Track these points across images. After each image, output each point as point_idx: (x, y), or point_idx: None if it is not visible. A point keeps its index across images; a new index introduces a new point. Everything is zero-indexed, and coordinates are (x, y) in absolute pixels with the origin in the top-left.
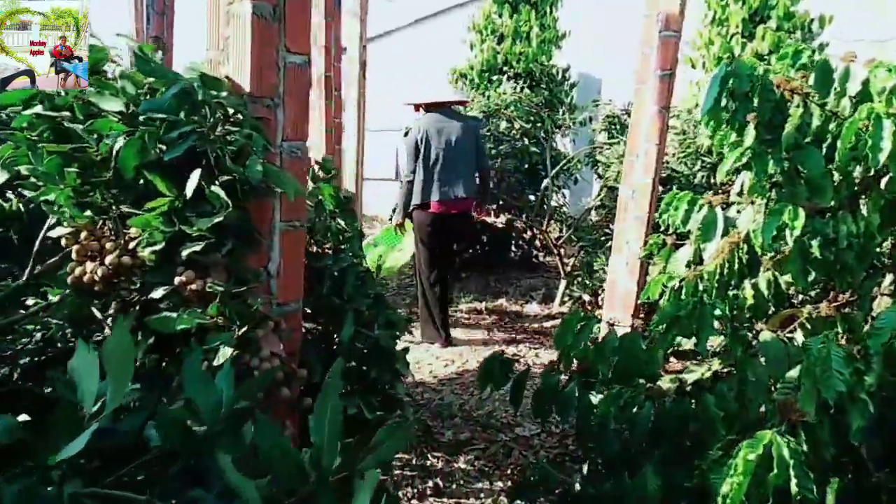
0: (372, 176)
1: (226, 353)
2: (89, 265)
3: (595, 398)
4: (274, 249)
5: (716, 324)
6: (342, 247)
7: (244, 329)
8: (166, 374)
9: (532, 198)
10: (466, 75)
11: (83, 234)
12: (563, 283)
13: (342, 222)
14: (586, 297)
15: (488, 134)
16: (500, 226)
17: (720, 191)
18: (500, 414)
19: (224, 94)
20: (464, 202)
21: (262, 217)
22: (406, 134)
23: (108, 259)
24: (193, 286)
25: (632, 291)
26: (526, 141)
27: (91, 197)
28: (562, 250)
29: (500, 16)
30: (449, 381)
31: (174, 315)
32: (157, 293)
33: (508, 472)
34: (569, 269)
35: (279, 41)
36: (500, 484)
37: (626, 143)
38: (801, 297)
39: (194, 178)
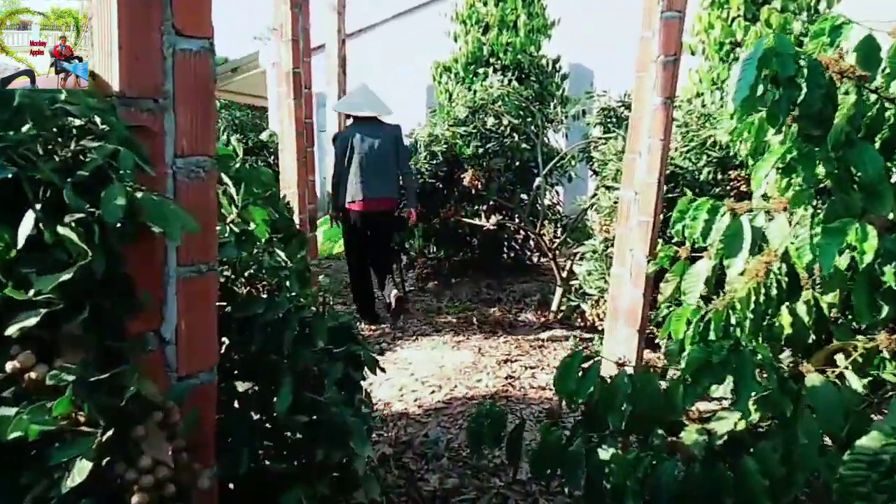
0: None
1: (83, 468)
2: None
3: (605, 453)
4: (168, 305)
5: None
6: (283, 286)
7: (110, 431)
8: (15, 489)
9: (524, 197)
10: (451, 69)
11: None
12: (559, 291)
13: (281, 254)
14: (585, 308)
15: (474, 131)
16: (492, 228)
17: (730, 187)
18: (493, 453)
19: (62, 96)
20: (386, 201)
21: (145, 263)
22: (334, 139)
23: None
24: (33, 374)
25: (637, 303)
26: (516, 137)
27: None
28: (556, 253)
29: (486, 4)
30: (436, 411)
31: (11, 414)
32: None
33: None
34: (565, 274)
35: (163, 20)
36: None
37: (624, 138)
38: (840, 320)
39: (28, 221)
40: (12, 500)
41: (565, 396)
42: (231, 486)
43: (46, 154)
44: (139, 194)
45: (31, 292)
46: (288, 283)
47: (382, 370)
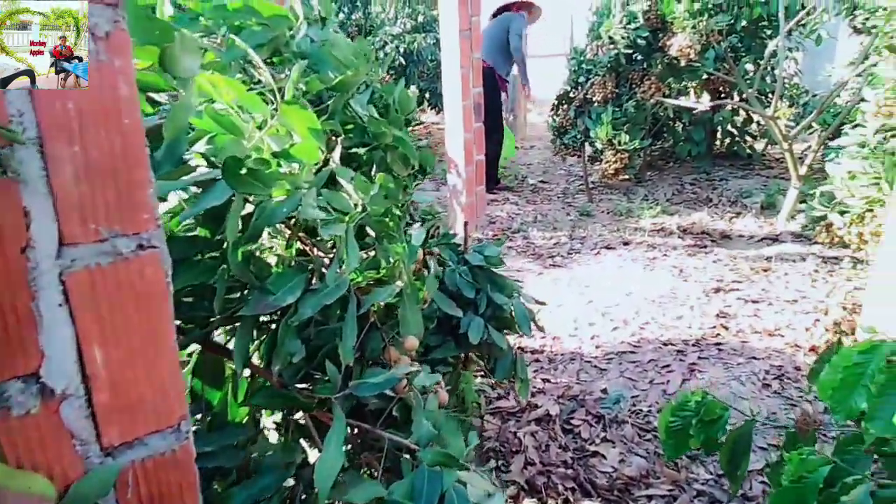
0: (537, 52)
1: None
2: None
3: None
4: (45, 325)
5: None
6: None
7: None
8: None
9: (749, 68)
10: None
11: None
12: (793, 193)
13: (350, 189)
14: (836, 220)
15: None
16: (704, 110)
17: None
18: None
19: None
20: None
21: None
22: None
23: None
24: None
25: None
26: None
27: None
28: (792, 142)
29: None
30: (619, 355)
31: None
32: None
33: None
34: (803, 171)
35: None
36: None
37: None
38: None
39: None
40: None
41: (831, 403)
42: None
43: None
44: None
45: None
46: (346, 247)
47: (540, 329)
